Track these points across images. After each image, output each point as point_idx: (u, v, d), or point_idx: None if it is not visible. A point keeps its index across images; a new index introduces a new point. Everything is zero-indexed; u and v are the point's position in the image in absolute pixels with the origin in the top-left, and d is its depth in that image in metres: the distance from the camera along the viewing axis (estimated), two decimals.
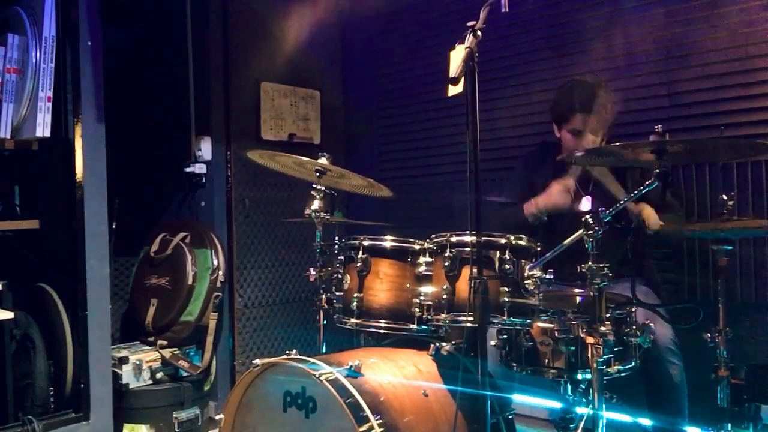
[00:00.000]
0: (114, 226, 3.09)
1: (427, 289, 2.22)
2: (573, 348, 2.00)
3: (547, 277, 2.04)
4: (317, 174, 2.56)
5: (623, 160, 2.25)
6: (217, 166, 3.52)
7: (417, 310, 2.23)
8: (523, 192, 2.77)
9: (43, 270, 2.83)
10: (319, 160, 2.57)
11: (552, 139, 2.85)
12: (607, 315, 1.90)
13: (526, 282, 2.05)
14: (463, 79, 1.73)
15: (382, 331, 2.28)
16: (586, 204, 2.62)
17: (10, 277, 2.56)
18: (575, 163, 2.53)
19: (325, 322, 2.53)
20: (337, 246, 2.52)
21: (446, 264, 2.09)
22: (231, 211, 3.54)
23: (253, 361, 2.08)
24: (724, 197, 2.01)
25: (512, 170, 3.06)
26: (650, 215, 2.44)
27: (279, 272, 3.74)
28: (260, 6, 3.67)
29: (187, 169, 3.48)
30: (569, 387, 2.17)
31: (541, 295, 2.04)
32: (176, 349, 3.23)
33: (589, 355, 1.90)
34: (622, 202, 1.95)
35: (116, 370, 3.00)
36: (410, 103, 3.91)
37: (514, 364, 2.15)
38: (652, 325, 2.10)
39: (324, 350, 2.56)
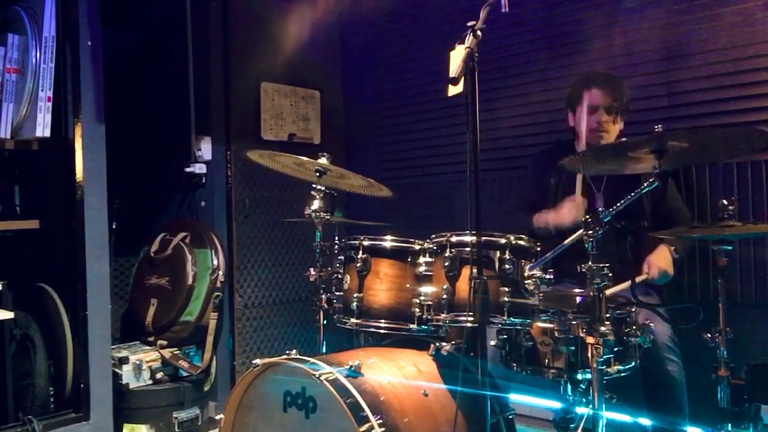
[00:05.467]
0: (114, 226, 3.09)
1: (427, 289, 2.22)
2: (573, 348, 2.00)
3: (547, 277, 2.04)
4: (317, 174, 2.56)
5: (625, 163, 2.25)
6: (217, 166, 3.52)
7: (417, 310, 2.23)
8: (535, 191, 2.77)
9: (43, 270, 2.83)
10: (319, 160, 2.57)
11: (565, 137, 2.85)
12: (607, 315, 1.90)
13: (526, 282, 2.05)
14: (463, 79, 1.73)
15: (382, 331, 2.28)
16: (599, 202, 2.63)
17: (10, 277, 2.56)
18: (580, 168, 2.53)
19: (325, 322, 2.52)
20: (337, 246, 2.52)
21: (446, 264, 2.09)
22: (231, 211, 3.54)
23: (253, 361, 2.08)
24: (725, 202, 2.01)
25: (524, 169, 3.06)
26: (655, 266, 2.45)
27: (279, 272, 3.74)
28: (260, 6, 3.67)
29: (187, 169, 3.47)
30: (569, 387, 2.17)
31: (541, 295, 2.04)
32: (176, 349, 3.23)
33: (589, 355, 1.89)
34: (622, 201, 1.94)
35: (116, 370, 3.00)
36: (410, 103, 3.90)
37: (514, 364, 2.15)
38: (651, 324, 2.10)
39: (324, 350, 2.56)
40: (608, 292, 1.95)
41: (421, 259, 2.27)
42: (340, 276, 2.42)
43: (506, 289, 2.02)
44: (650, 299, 2.55)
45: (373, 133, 4.10)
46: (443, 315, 2.09)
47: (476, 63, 1.77)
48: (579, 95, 2.67)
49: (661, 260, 2.48)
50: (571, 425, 2.21)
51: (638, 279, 2.33)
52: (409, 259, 2.29)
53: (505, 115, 3.41)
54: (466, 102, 1.78)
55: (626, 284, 2.19)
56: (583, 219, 1.90)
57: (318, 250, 2.59)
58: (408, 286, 2.27)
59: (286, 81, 3.80)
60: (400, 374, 2.11)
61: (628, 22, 3.05)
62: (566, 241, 2.05)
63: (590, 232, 1.88)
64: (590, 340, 1.89)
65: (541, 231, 2.61)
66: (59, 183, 2.74)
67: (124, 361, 3.04)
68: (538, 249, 2.13)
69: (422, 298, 2.22)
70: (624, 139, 2.27)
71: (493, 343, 2.17)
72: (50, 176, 2.82)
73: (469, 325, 2.01)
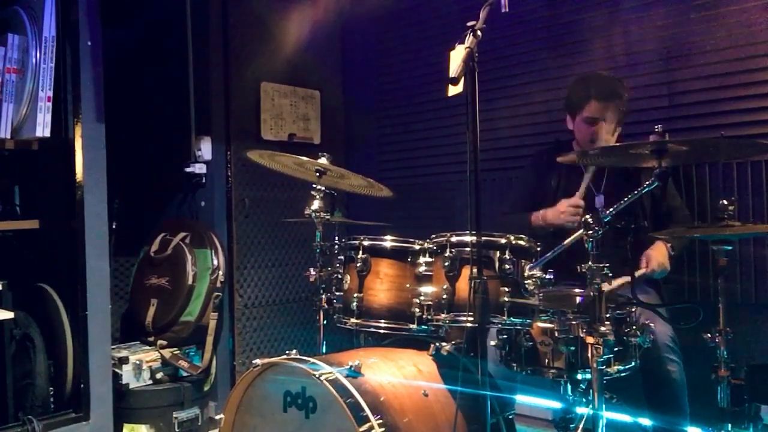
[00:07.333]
0: (114, 226, 3.09)
1: (427, 289, 2.22)
2: (573, 348, 2.00)
3: (547, 277, 2.04)
4: (317, 174, 2.56)
5: (625, 161, 2.26)
6: (217, 166, 3.52)
7: (417, 310, 2.23)
8: (534, 192, 2.77)
9: (43, 270, 2.83)
10: (319, 160, 2.57)
11: (564, 137, 2.85)
12: (607, 315, 1.90)
13: (526, 282, 2.05)
14: (463, 79, 1.73)
15: (382, 331, 2.28)
16: (599, 202, 2.63)
17: (10, 277, 2.56)
18: (582, 164, 2.52)
19: (325, 322, 2.52)
20: (337, 246, 2.52)
21: (446, 264, 2.09)
22: (231, 211, 3.54)
23: (253, 361, 2.08)
24: (725, 202, 2.01)
25: (523, 168, 3.06)
26: (654, 260, 2.46)
27: (279, 272, 3.74)
28: (260, 6, 3.67)
29: (187, 169, 3.47)
30: (569, 387, 2.17)
31: (541, 295, 2.04)
32: (176, 349, 3.23)
33: (589, 355, 1.89)
34: (622, 201, 1.95)
35: (116, 370, 3.00)
36: (410, 103, 3.90)
37: (514, 364, 2.15)
38: (651, 324, 2.10)
39: (324, 350, 2.56)
40: (607, 287, 1.94)
41: (421, 259, 2.27)
42: (340, 276, 2.42)
43: (506, 289, 2.02)
44: (650, 299, 2.55)
45: (373, 133, 4.10)
46: (443, 315, 2.08)
47: (476, 63, 1.77)
48: (578, 105, 2.65)
49: (659, 255, 2.48)
50: (571, 425, 2.21)
51: (637, 273, 2.34)
52: (409, 259, 2.29)
53: (505, 115, 3.41)
54: (466, 102, 1.78)
55: (625, 279, 2.19)
56: (583, 220, 1.90)
57: (318, 250, 2.59)
58: (408, 286, 2.27)
59: (286, 81, 3.80)
60: (400, 374, 2.11)
61: (628, 22, 3.05)
62: (566, 241, 2.05)
63: (590, 232, 1.88)
64: (590, 340, 1.89)
65: (540, 230, 2.61)
66: (59, 183, 2.74)
67: (124, 361, 3.04)
68: (538, 249, 2.13)
69: (422, 298, 2.22)
70: (624, 143, 2.27)
71: (493, 343, 2.17)
72: (50, 176, 2.82)
73: (469, 325, 2.01)
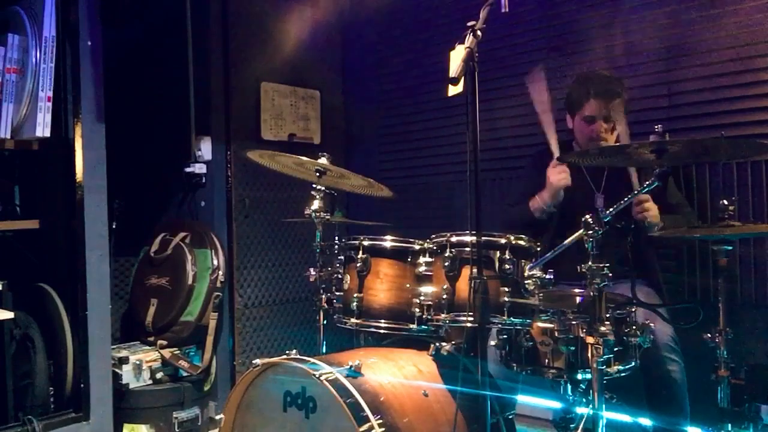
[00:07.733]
0: (114, 226, 3.09)
1: (427, 289, 2.22)
2: (573, 348, 2.00)
3: (547, 277, 2.04)
4: (317, 174, 2.56)
5: (625, 160, 2.26)
6: (217, 166, 3.52)
7: (417, 310, 2.23)
8: (533, 192, 2.77)
9: (43, 270, 2.83)
10: (319, 160, 2.57)
11: (564, 138, 2.85)
12: (607, 315, 1.90)
13: (526, 282, 2.05)
14: (463, 79, 1.73)
15: (382, 331, 2.28)
16: (599, 201, 2.63)
17: (10, 277, 2.56)
18: (570, 161, 2.52)
19: (325, 322, 2.53)
20: (337, 246, 2.52)
21: (446, 264, 2.09)
22: (231, 211, 3.54)
23: (253, 361, 2.08)
24: (725, 202, 2.01)
25: (523, 169, 3.06)
26: (651, 209, 2.45)
27: (279, 272, 3.74)
28: (260, 6, 3.67)
29: (187, 169, 3.47)
30: (569, 387, 2.17)
31: (541, 295, 2.04)
32: (176, 349, 3.23)
33: (589, 355, 1.89)
34: (623, 201, 1.95)
35: (116, 370, 3.00)
36: (410, 103, 3.90)
37: (514, 364, 2.15)
38: (652, 324, 2.10)
39: (324, 350, 2.56)
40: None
41: (421, 259, 2.27)
42: (340, 276, 2.43)
43: (506, 289, 2.02)
44: (651, 299, 2.55)
45: (373, 133, 4.10)
46: (443, 315, 2.09)
47: (476, 63, 1.77)
48: (577, 103, 2.65)
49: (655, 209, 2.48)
50: (571, 425, 2.21)
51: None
52: (409, 259, 2.30)
53: (505, 115, 3.41)
54: (466, 102, 1.78)
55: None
56: (583, 220, 1.90)
57: (318, 250, 2.59)
58: (408, 286, 2.27)
59: (286, 81, 3.80)
60: (400, 374, 2.11)
61: (628, 22, 3.05)
62: (566, 241, 2.05)
63: (590, 232, 1.88)
64: (590, 340, 1.89)
65: (541, 214, 2.60)
66: (59, 183, 2.74)
67: (124, 361, 3.04)
68: (538, 249, 2.13)
69: (422, 298, 2.22)
70: (624, 143, 2.27)
71: (493, 343, 2.17)
72: (50, 176, 2.82)
73: (469, 325, 2.01)
